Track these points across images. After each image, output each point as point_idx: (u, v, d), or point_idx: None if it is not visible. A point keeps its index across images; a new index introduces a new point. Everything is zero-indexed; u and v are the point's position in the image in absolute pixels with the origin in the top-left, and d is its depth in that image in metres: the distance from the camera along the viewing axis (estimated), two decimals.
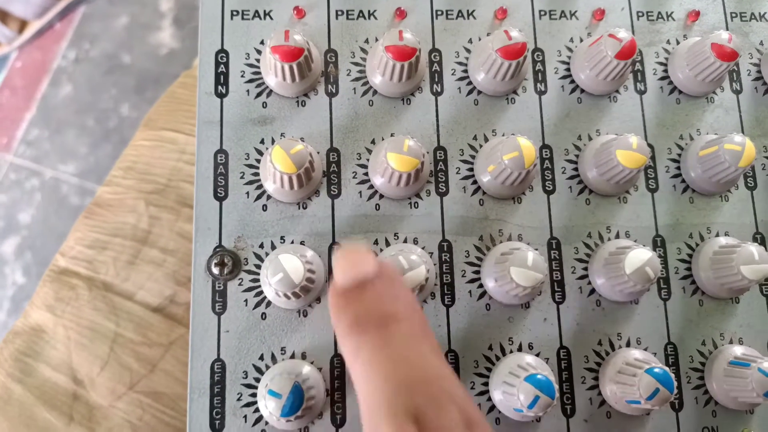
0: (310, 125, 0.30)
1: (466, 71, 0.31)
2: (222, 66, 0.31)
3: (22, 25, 0.95)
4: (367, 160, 0.30)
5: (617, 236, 0.30)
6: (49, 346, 0.37)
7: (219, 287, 0.29)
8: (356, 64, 0.31)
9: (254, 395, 0.28)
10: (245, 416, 0.28)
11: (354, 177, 0.30)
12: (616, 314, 0.30)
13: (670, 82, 0.32)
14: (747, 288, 0.29)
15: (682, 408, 0.29)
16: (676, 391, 0.26)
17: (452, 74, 0.31)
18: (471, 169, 0.30)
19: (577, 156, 0.31)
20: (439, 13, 0.32)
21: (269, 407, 0.26)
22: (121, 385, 0.35)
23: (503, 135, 0.31)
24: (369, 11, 0.32)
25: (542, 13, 0.32)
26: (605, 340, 0.29)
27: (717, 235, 0.31)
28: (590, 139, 0.31)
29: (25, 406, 0.35)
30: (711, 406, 0.29)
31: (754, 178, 0.31)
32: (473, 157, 0.31)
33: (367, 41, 0.31)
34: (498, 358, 0.29)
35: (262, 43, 0.31)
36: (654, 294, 0.30)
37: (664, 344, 0.29)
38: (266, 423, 0.28)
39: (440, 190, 0.30)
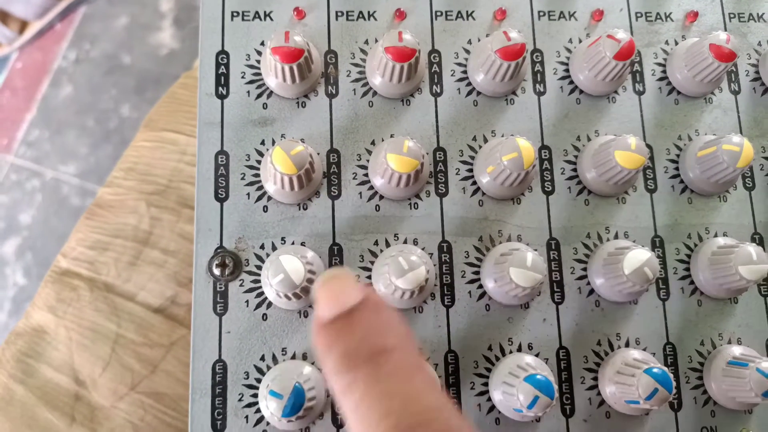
0: (311, 126, 0.31)
1: (465, 72, 0.31)
2: (222, 67, 0.31)
3: (23, 25, 0.95)
4: (367, 161, 0.30)
5: (616, 237, 0.30)
6: (50, 347, 0.37)
7: (220, 288, 0.29)
8: (356, 65, 0.31)
9: (255, 396, 0.28)
10: (246, 417, 0.28)
11: (354, 178, 0.30)
12: (615, 314, 0.30)
13: (669, 83, 0.32)
14: (745, 288, 0.29)
15: (681, 408, 0.29)
16: (674, 391, 0.26)
17: (452, 75, 0.31)
18: (470, 170, 0.31)
19: (576, 157, 0.31)
20: (439, 14, 0.32)
21: (270, 408, 0.26)
22: (123, 385, 0.35)
23: (502, 136, 0.31)
24: (369, 12, 0.32)
25: (541, 13, 0.32)
26: (604, 341, 0.29)
27: (715, 236, 0.31)
28: (589, 139, 0.31)
29: (27, 406, 0.36)
30: (710, 406, 0.29)
31: (752, 178, 0.32)
32: (473, 158, 0.31)
33: (366, 42, 0.32)
34: (498, 359, 0.29)
35: (262, 44, 0.31)
36: (653, 294, 0.30)
37: (663, 344, 0.30)
38: (267, 423, 0.28)
39: (440, 191, 0.30)
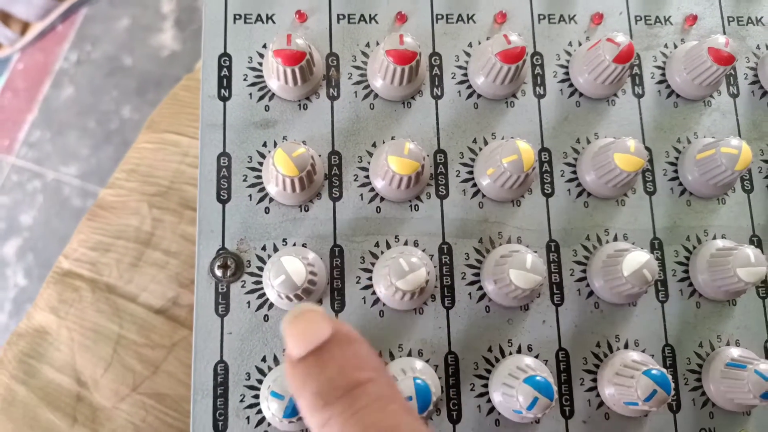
0: (312, 128, 0.31)
1: (465, 75, 0.32)
2: (225, 69, 0.31)
3: (24, 26, 0.95)
4: (368, 163, 0.31)
5: (615, 239, 0.31)
6: (52, 348, 0.37)
7: (222, 289, 0.29)
8: (357, 67, 0.31)
9: (257, 397, 0.28)
10: (248, 417, 0.28)
11: (355, 180, 0.30)
12: (614, 316, 0.30)
13: (668, 86, 0.32)
14: (743, 290, 0.29)
15: (680, 409, 0.29)
16: (673, 392, 0.26)
17: (452, 78, 0.32)
18: (471, 172, 0.31)
19: (575, 159, 0.31)
20: (440, 17, 0.32)
21: (272, 408, 0.26)
22: (125, 386, 0.36)
23: (502, 138, 0.31)
24: (370, 15, 0.32)
25: (541, 17, 0.33)
26: (603, 342, 0.30)
27: (714, 238, 0.31)
28: (588, 142, 0.31)
29: (29, 407, 0.36)
30: (708, 408, 0.29)
31: (750, 181, 0.32)
32: (473, 160, 0.31)
33: (368, 45, 0.32)
34: (497, 360, 0.29)
35: (264, 46, 0.32)
36: (652, 296, 0.30)
37: (662, 346, 0.30)
38: (269, 424, 0.28)
39: (440, 193, 0.31)
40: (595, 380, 0.29)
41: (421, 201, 0.30)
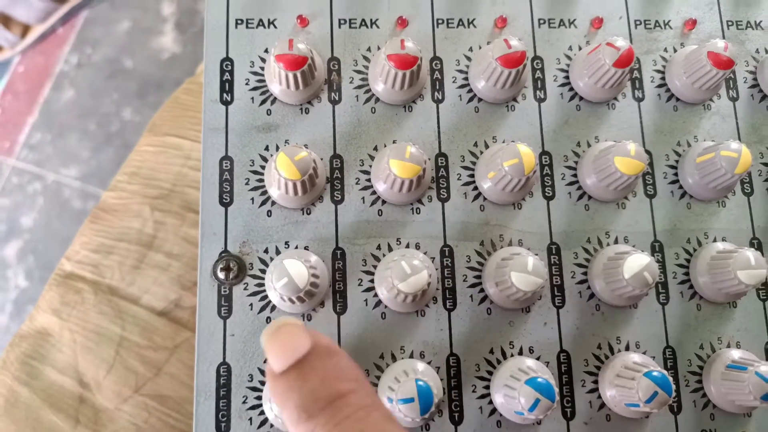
0: (314, 132, 0.31)
1: (466, 79, 0.32)
2: (227, 74, 0.31)
3: (25, 29, 0.95)
4: (370, 166, 0.31)
5: (616, 241, 0.31)
6: (55, 350, 0.37)
7: (224, 292, 0.29)
8: (359, 72, 0.32)
9: (259, 398, 0.28)
10: (251, 419, 0.28)
11: (357, 183, 0.31)
12: (615, 318, 0.30)
13: (668, 90, 0.32)
14: (744, 292, 0.29)
15: (681, 411, 0.29)
16: (674, 394, 0.26)
17: (453, 82, 0.32)
18: (472, 176, 0.31)
19: (576, 162, 0.31)
20: (440, 21, 0.33)
21: (274, 410, 0.26)
22: (127, 388, 0.36)
23: (503, 142, 0.31)
24: (371, 20, 0.32)
25: (541, 21, 0.33)
26: (605, 344, 0.30)
27: (714, 241, 0.31)
28: (589, 145, 0.32)
29: (32, 408, 0.36)
30: (709, 409, 0.30)
31: (750, 184, 0.32)
32: (474, 163, 0.31)
33: (369, 50, 0.32)
34: (499, 362, 0.29)
35: (266, 51, 0.32)
36: (652, 298, 0.30)
37: (663, 348, 0.30)
38: (271, 426, 0.28)
39: (442, 196, 0.31)
40: (596, 382, 0.29)
41: (423, 204, 0.30)
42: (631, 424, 0.29)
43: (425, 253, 0.30)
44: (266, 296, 0.29)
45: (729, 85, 0.33)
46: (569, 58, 0.32)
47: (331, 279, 0.30)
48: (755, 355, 0.30)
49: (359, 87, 0.32)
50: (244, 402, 0.28)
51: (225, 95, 0.31)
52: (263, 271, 0.29)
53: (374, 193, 0.30)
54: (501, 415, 0.29)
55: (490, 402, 0.29)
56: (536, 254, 0.29)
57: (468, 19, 0.33)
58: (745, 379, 0.27)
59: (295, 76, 0.29)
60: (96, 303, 0.38)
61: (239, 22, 0.32)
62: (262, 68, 0.31)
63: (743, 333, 0.30)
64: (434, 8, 0.33)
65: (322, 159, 0.31)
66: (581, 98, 0.32)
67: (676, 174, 0.32)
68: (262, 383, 0.28)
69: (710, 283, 0.29)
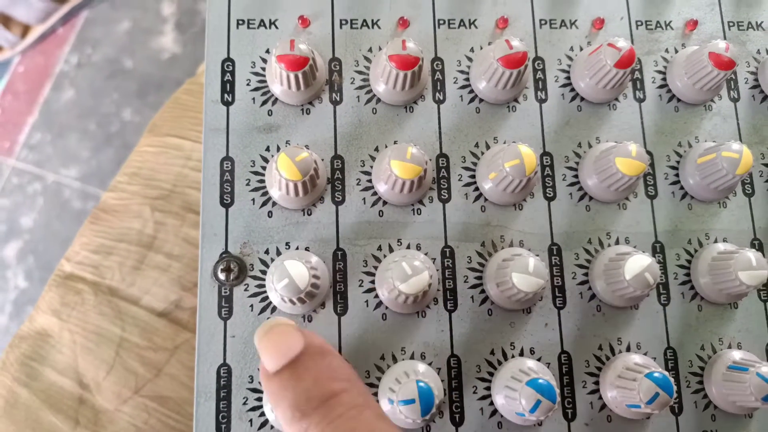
0: (315, 133, 0.31)
1: (467, 80, 0.32)
2: (228, 74, 0.31)
3: (25, 29, 0.95)
4: (371, 167, 0.31)
5: (617, 242, 0.31)
6: (55, 351, 0.37)
7: (225, 293, 0.29)
8: (360, 72, 0.32)
9: (260, 399, 0.28)
10: (251, 420, 0.28)
11: (358, 184, 0.31)
12: (616, 319, 0.30)
13: (669, 91, 0.32)
14: (745, 293, 0.29)
15: (682, 412, 0.29)
16: (675, 395, 0.26)
17: (454, 83, 0.32)
18: (473, 176, 0.31)
19: (577, 163, 0.31)
20: (441, 22, 0.33)
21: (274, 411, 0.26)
22: (127, 389, 0.36)
23: (504, 143, 0.31)
24: (372, 20, 0.32)
25: (543, 22, 0.33)
26: (606, 345, 0.30)
27: (715, 241, 0.31)
28: (590, 146, 0.31)
29: (31, 409, 0.36)
30: (710, 410, 0.29)
31: (751, 185, 0.32)
32: (475, 164, 0.31)
33: (370, 50, 0.32)
34: (500, 363, 0.29)
35: (267, 51, 0.32)
36: (653, 299, 0.30)
37: (664, 349, 0.30)
38: (272, 427, 0.28)
39: (443, 197, 0.31)
40: (597, 383, 0.29)
41: (424, 205, 0.30)
42: (632, 425, 0.29)
43: (426, 254, 0.30)
44: (267, 297, 0.29)
45: (730, 85, 0.33)
46: (570, 58, 0.32)
47: (332, 280, 0.30)
48: (756, 356, 0.30)
49: (360, 87, 0.31)
50: (244, 403, 0.28)
51: (226, 96, 0.31)
52: (264, 272, 0.29)
53: (375, 193, 0.30)
54: (502, 416, 0.28)
55: (491, 403, 0.29)
56: (537, 255, 0.29)
57: (469, 20, 0.33)
58: (747, 380, 0.27)
59: (296, 77, 0.29)
60: (96, 304, 0.38)
61: (240, 22, 0.32)
62: (264, 69, 0.31)
63: (744, 334, 0.30)
64: (435, 9, 0.33)
65: (323, 160, 0.31)
66: (582, 99, 0.32)
67: (677, 175, 0.32)
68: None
69: (711, 284, 0.29)
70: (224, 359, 0.29)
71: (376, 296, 0.29)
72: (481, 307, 0.30)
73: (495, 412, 0.29)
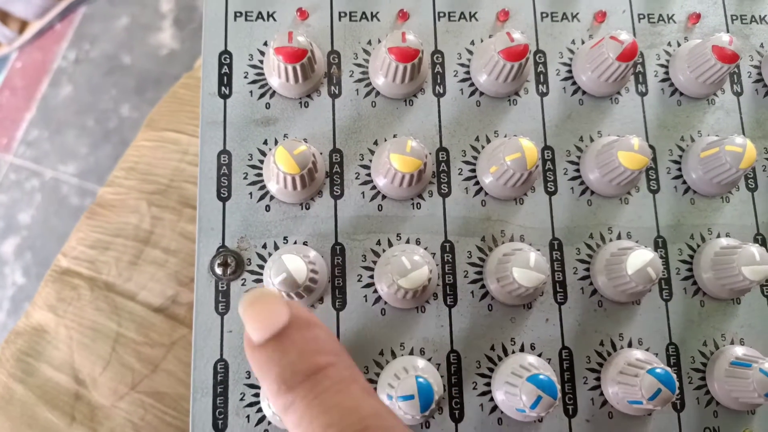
0: (313, 126, 0.31)
1: (468, 73, 0.32)
2: (225, 67, 0.31)
3: (23, 25, 0.95)
4: (370, 161, 0.30)
5: (619, 237, 0.30)
6: (51, 346, 0.37)
7: (222, 287, 0.29)
8: (359, 65, 0.31)
9: (257, 395, 0.28)
10: (248, 416, 0.28)
11: (357, 178, 0.30)
12: (617, 315, 0.30)
13: (671, 84, 0.32)
14: (748, 289, 0.29)
15: (684, 408, 0.29)
16: (677, 391, 0.26)
17: (454, 76, 0.31)
18: (473, 170, 0.31)
19: (578, 157, 0.31)
20: (442, 14, 0.32)
21: (272, 407, 0.26)
22: (123, 385, 0.35)
23: (505, 136, 0.31)
24: (372, 13, 0.32)
25: (544, 15, 0.33)
26: (607, 341, 0.29)
27: (718, 236, 0.31)
28: (592, 140, 0.31)
29: (27, 406, 0.36)
30: (712, 407, 0.29)
31: (755, 179, 0.32)
32: (475, 158, 0.31)
33: (369, 43, 0.32)
34: (500, 359, 0.29)
35: (265, 44, 0.31)
36: (655, 295, 0.30)
37: (666, 345, 0.30)
38: (269, 423, 0.28)
39: (442, 191, 0.30)
40: (598, 379, 0.29)
41: (423, 199, 0.30)
42: (633, 421, 0.29)
43: (426, 249, 0.30)
44: None
45: (733, 79, 0.33)
46: (572, 52, 0.32)
47: (331, 275, 0.29)
48: (759, 351, 0.29)
49: (359, 80, 0.31)
50: (241, 399, 0.28)
51: (223, 88, 0.31)
52: (261, 267, 0.29)
53: (374, 187, 0.30)
54: (502, 412, 0.28)
55: (491, 399, 0.28)
56: (538, 250, 0.28)
57: (470, 13, 0.32)
58: (749, 376, 0.27)
59: (294, 69, 0.29)
60: (92, 299, 0.37)
61: (238, 14, 0.32)
62: (261, 61, 0.31)
63: (747, 329, 0.30)
64: (435, 1, 0.32)
65: (321, 153, 0.30)
66: (584, 92, 0.32)
67: (679, 169, 0.31)
68: None
69: (714, 279, 0.29)
70: (221, 355, 0.28)
71: (375, 291, 0.29)
72: (481, 302, 0.29)
73: (495, 408, 0.28)
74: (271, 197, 0.30)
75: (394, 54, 0.28)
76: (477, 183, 0.30)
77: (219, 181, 0.30)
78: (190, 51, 0.93)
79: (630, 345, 0.29)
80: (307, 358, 0.20)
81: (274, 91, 0.31)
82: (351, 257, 0.29)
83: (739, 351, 0.29)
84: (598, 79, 0.31)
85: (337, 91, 0.31)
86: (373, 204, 0.30)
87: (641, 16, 0.33)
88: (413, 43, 0.28)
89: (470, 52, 0.32)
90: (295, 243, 0.29)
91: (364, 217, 0.30)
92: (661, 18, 0.33)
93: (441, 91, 0.31)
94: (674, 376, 0.26)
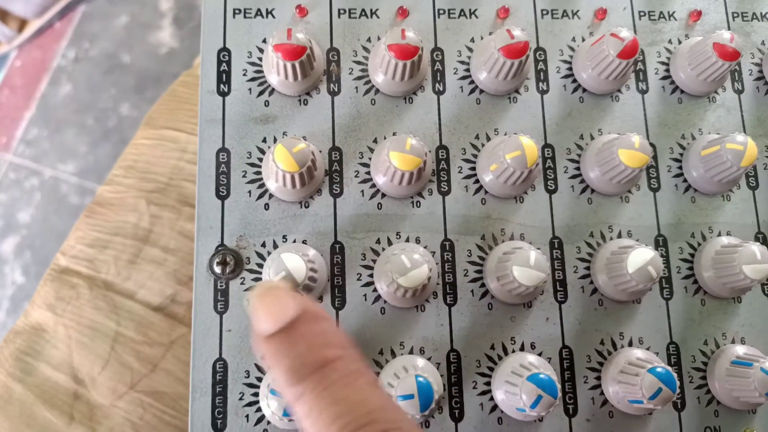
0: (312, 124, 0.30)
1: (468, 70, 0.31)
2: (224, 64, 0.31)
3: (22, 24, 0.95)
4: (369, 159, 0.30)
5: (619, 235, 0.30)
6: (49, 346, 0.37)
7: (221, 286, 0.29)
8: (358, 62, 0.31)
9: (256, 395, 0.28)
10: (247, 416, 0.28)
11: (356, 176, 0.30)
12: (618, 314, 0.30)
13: (672, 82, 0.32)
14: (749, 287, 0.29)
15: (685, 408, 0.29)
16: (678, 390, 0.26)
17: (454, 73, 0.31)
18: (473, 168, 0.30)
19: (579, 155, 0.31)
20: (441, 12, 0.32)
21: (271, 407, 0.26)
22: (122, 384, 0.35)
23: (505, 134, 0.31)
24: (371, 10, 0.32)
25: (544, 12, 0.32)
26: (607, 340, 0.29)
27: (719, 235, 0.31)
28: (592, 138, 0.31)
29: (26, 405, 0.35)
30: (713, 406, 0.29)
31: (755, 177, 0.31)
32: (475, 156, 0.31)
33: (369, 40, 0.31)
34: (500, 358, 0.29)
35: (264, 41, 0.31)
36: (656, 293, 0.30)
37: (667, 344, 0.29)
38: (268, 422, 0.28)
39: (442, 189, 0.30)
40: (599, 378, 0.29)
41: (423, 197, 0.30)
42: (634, 420, 0.29)
43: (425, 247, 0.29)
44: None
45: (734, 77, 0.32)
46: (572, 49, 0.32)
47: (330, 273, 0.29)
48: (760, 350, 0.29)
49: (359, 78, 0.31)
50: (240, 398, 0.28)
51: (222, 86, 0.31)
52: (260, 266, 0.29)
53: (374, 186, 0.30)
54: (502, 411, 0.28)
55: (491, 398, 0.28)
56: (538, 248, 0.28)
57: (470, 10, 0.32)
58: (750, 375, 0.27)
59: (293, 67, 0.29)
60: (91, 298, 0.37)
61: (237, 11, 0.31)
62: (260, 59, 0.31)
63: (748, 328, 0.30)
64: None
65: (320, 151, 0.30)
66: (584, 90, 0.31)
67: (680, 167, 0.31)
68: (259, 380, 0.28)
69: (715, 278, 0.29)
70: (220, 354, 0.28)
71: (375, 290, 0.29)
72: (481, 301, 0.29)
73: (495, 407, 0.28)
74: (270, 195, 0.30)
75: (393, 51, 0.28)
76: (477, 181, 0.30)
77: (218, 179, 0.30)
78: (190, 49, 0.93)
79: (630, 344, 0.29)
80: (315, 350, 0.20)
81: (273, 89, 0.31)
82: (350, 256, 0.29)
83: (740, 350, 0.29)
84: (598, 77, 0.30)
85: (336, 89, 0.31)
86: (372, 202, 0.30)
87: (642, 14, 0.33)
88: (413, 40, 0.28)
89: (470, 50, 0.32)
90: (295, 241, 0.29)
91: (363, 216, 0.30)
92: (661, 15, 0.33)
93: (441, 88, 0.31)
94: (675, 375, 0.26)
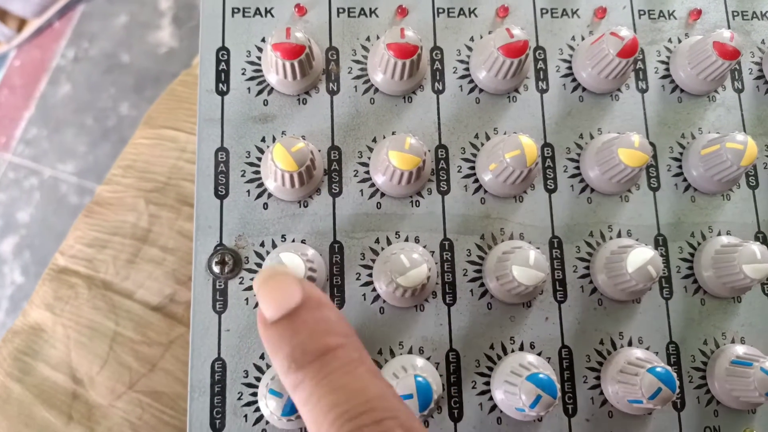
0: (311, 123, 0.30)
1: (467, 69, 0.31)
2: (223, 63, 0.31)
3: (21, 23, 0.95)
4: (369, 158, 0.30)
5: (619, 235, 0.30)
6: (48, 345, 0.37)
7: (220, 286, 0.29)
8: (357, 62, 0.31)
9: (255, 394, 0.28)
10: (246, 415, 0.28)
11: (355, 175, 0.30)
12: (617, 313, 0.29)
13: (672, 81, 0.32)
14: (749, 287, 0.29)
15: (684, 407, 0.29)
16: (678, 390, 0.26)
17: (454, 72, 0.31)
18: (472, 168, 0.30)
19: (578, 154, 0.31)
20: (441, 11, 0.32)
21: (270, 406, 0.26)
22: (121, 384, 0.35)
23: (505, 133, 0.31)
24: (370, 9, 0.32)
25: (544, 11, 0.32)
26: (607, 340, 0.29)
27: (719, 234, 0.30)
28: (592, 137, 0.31)
29: (24, 405, 0.35)
30: (713, 406, 0.29)
31: (756, 177, 0.31)
32: (475, 155, 0.30)
33: (368, 39, 0.31)
34: (499, 357, 0.29)
35: (263, 40, 0.31)
36: (656, 293, 0.30)
37: (666, 343, 0.29)
38: (267, 422, 0.28)
39: (442, 189, 0.30)
40: (598, 378, 0.29)
41: (422, 197, 0.30)
42: (633, 420, 0.29)
43: (425, 247, 0.29)
44: None
45: (734, 76, 0.32)
46: (572, 48, 0.32)
47: (329, 273, 0.29)
48: (760, 350, 0.29)
49: (358, 77, 0.31)
50: (239, 398, 0.28)
51: (221, 85, 0.31)
52: (259, 265, 0.29)
53: (373, 185, 0.30)
54: (501, 411, 0.28)
55: (491, 398, 0.28)
56: (538, 248, 0.28)
57: (469, 9, 0.32)
58: (750, 375, 0.27)
59: (292, 66, 0.29)
60: (90, 298, 0.37)
61: (236, 10, 0.31)
62: (259, 58, 0.31)
63: (748, 328, 0.30)
64: None
65: (319, 150, 0.30)
66: (584, 89, 0.31)
67: (680, 166, 0.31)
68: (258, 379, 0.28)
69: (715, 278, 0.29)
70: (219, 353, 0.28)
71: (374, 290, 0.29)
72: (480, 300, 0.29)
73: (494, 407, 0.28)
74: (269, 195, 0.30)
75: (392, 50, 0.28)
76: (476, 180, 0.30)
77: (216, 178, 0.30)
78: (189, 49, 0.93)
79: (630, 344, 0.29)
80: (317, 338, 0.20)
81: (272, 88, 0.31)
82: (349, 255, 0.29)
83: (740, 350, 0.29)
84: (598, 76, 0.30)
85: (335, 88, 0.31)
86: (371, 202, 0.30)
87: (642, 12, 0.33)
88: (412, 39, 0.28)
89: (470, 49, 0.31)
90: (293, 241, 0.29)
91: (362, 215, 0.30)
92: (661, 14, 0.33)
93: (440, 87, 0.31)
94: (674, 375, 0.26)
